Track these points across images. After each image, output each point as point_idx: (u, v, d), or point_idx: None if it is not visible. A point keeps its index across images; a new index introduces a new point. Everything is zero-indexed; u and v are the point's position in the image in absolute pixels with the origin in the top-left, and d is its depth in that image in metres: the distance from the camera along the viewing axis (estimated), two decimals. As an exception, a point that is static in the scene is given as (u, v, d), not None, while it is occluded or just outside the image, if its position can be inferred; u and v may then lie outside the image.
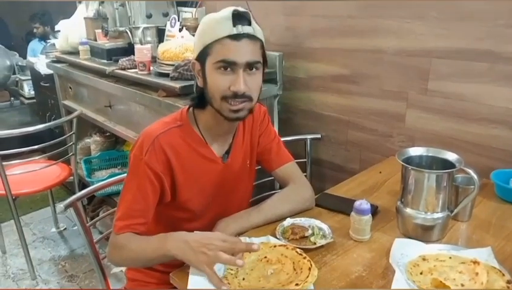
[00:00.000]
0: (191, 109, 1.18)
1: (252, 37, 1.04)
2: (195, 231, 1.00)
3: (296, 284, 0.89)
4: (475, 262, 0.93)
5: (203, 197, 1.19)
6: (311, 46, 1.96)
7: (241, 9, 1.04)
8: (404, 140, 1.72)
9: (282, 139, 1.37)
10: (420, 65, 1.60)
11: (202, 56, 1.07)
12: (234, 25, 1.01)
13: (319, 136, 1.97)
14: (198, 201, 1.19)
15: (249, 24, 1.04)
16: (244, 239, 1.09)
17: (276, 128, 2.05)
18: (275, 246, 1.05)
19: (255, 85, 1.07)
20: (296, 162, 1.36)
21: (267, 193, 1.59)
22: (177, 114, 1.18)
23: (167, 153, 1.10)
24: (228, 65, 1.03)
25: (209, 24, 1.05)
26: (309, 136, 1.93)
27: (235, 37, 1.01)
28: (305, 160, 1.93)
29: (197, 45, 1.09)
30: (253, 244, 0.94)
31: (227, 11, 1.03)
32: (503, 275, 0.91)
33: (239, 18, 1.02)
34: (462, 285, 0.89)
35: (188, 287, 0.92)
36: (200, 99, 1.14)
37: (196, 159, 1.15)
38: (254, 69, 1.06)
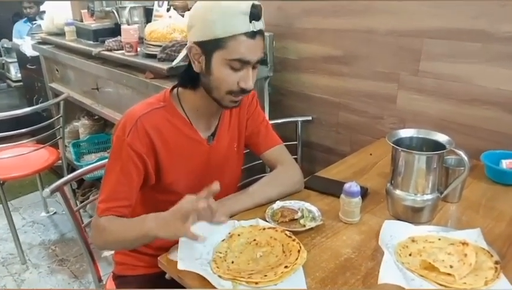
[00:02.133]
0: (175, 89, 1.16)
1: (262, 33, 1.03)
2: None
3: (286, 267, 0.89)
4: (464, 243, 0.93)
5: (188, 179, 1.17)
6: (302, 26, 1.93)
7: (256, 2, 1.00)
8: (395, 122, 1.71)
9: (273, 121, 1.36)
10: (412, 45, 1.57)
11: (209, 46, 1.02)
12: (250, 21, 0.98)
13: (310, 118, 1.95)
14: (184, 183, 1.17)
15: (260, 19, 1.01)
16: (233, 223, 1.08)
17: (266, 110, 2.03)
18: (264, 229, 1.04)
19: (255, 78, 1.08)
20: (287, 145, 1.35)
21: (257, 176, 1.57)
22: (160, 95, 1.16)
23: (150, 134, 1.07)
24: (243, 63, 1.02)
25: (223, 15, 0.99)
26: (300, 119, 1.92)
27: (251, 34, 1.00)
28: (296, 142, 1.92)
29: (203, 32, 1.02)
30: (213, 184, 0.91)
31: (244, 5, 0.98)
32: (492, 256, 0.91)
33: (255, 14, 0.99)
34: (451, 266, 0.89)
35: (179, 255, 0.92)
36: (192, 82, 1.11)
37: (181, 140, 1.13)
38: (257, 63, 1.05)
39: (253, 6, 0.99)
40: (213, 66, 1.04)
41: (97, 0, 2.35)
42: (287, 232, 1.01)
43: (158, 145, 1.09)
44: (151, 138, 1.08)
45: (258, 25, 1.01)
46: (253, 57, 1.02)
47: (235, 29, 0.98)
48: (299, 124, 1.91)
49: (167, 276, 1.00)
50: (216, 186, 0.91)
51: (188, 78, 1.12)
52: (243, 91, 1.05)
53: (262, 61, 1.93)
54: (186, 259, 0.92)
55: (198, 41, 1.04)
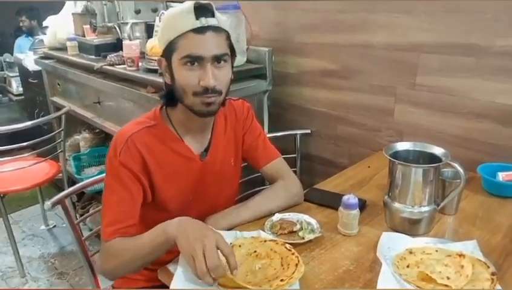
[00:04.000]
0: (164, 107, 1.16)
1: (216, 29, 1.01)
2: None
3: (281, 280, 0.89)
4: (460, 255, 0.94)
5: (182, 196, 1.17)
6: (301, 41, 1.96)
7: (203, 1, 1.02)
8: (393, 134, 1.73)
9: (272, 134, 1.37)
10: (408, 60, 1.60)
11: (167, 52, 1.05)
12: (197, 18, 0.99)
13: (308, 131, 1.97)
14: (179, 200, 1.16)
15: (213, 16, 1.01)
16: (234, 233, 1.09)
17: (266, 124, 2.05)
18: (265, 241, 1.04)
19: (224, 78, 1.05)
20: (286, 158, 1.36)
21: (256, 189, 1.59)
22: (150, 113, 1.16)
23: (142, 152, 1.07)
24: (195, 60, 1.01)
25: (171, 19, 1.03)
26: (299, 132, 1.94)
27: (199, 30, 0.99)
28: (295, 155, 1.93)
29: (161, 41, 1.06)
30: (234, 270, 0.88)
31: (189, 4, 1.00)
32: (488, 267, 0.92)
33: (202, 10, 1.00)
34: (448, 278, 0.90)
35: (173, 281, 0.91)
36: (170, 97, 1.11)
37: (172, 157, 1.13)
38: (222, 62, 1.04)
39: (197, 3, 1.00)
40: (174, 71, 1.04)
41: (100, 16, 2.39)
42: (288, 246, 1.01)
43: (150, 163, 1.09)
44: (143, 156, 1.08)
45: (210, 21, 0.99)
46: (204, 52, 1.00)
47: (181, 28, 1.00)
48: (298, 137, 1.93)
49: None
50: (235, 273, 0.88)
51: (167, 94, 1.13)
52: (206, 90, 1.02)
53: (261, 75, 1.99)
54: (181, 281, 0.91)
55: (162, 52, 1.07)
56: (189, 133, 1.16)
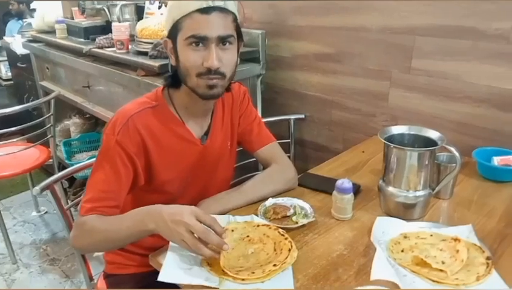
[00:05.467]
0: (166, 88, 1.14)
1: (223, 10, 1.00)
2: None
3: (274, 265, 0.88)
4: (456, 239, 0.94)
5: (181, 178, 1.16)
6: (295, 24, 1.92)
7: None
8: (387, 119, 1.71)
9: (266, 119, 1.35)
10: (403, 43, 1.58)
11: (173, 33, 1.03)
12: None
13: (302, 116, 1.95)
14: (177, 183, 1.16)
15: None
16: (227, 217, 1.08)
17: (259, 108, 2.03)
18: (258, 226, 1.03)
19: (229, 60, 1.04)
20: (280, 143, 1.34)
21: (250, 174, 1.57)
22: (151, 94, 1.14)
23: (141, 133, 1.06)
24: (199, 40, 0.99)
25: None
26: (293, 117, 1.92)
27: (205, 10, 0.98)
28: (288, 140, 1.92)
29: (167, 22, 1.05)
30: (224, 245, 0.87)
31: None
32: (483, 251, 0.92)
33: None
34: (443, 262, 0.89)
35: (163, 264, 0.89)
36: (174, 79, 1.11)
37: (173, 139, 1.12)
38: (227, 44, 1.02)
39: None
40: (179, 52, 1.03)
41: (88, -2, 2.34)
42: (281, 231, 1.00)
43: (150, 145, 1.08)
44: (143, 138, 1.06)
45: (216, 2, 0.98)
46: (209, 32, 0.98)
47: (187, 8, 0.98)
48: (292, 122, 1.91)
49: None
50: (227, 247, 0.88)
51: (170, 76, 1.12)
52: (210, 72, 1.01)
53: (254, 59, 1.96)
54: (170, 269, 0.88)
55: (167, 33, 1.06)
56: (190, 117, 1.14)
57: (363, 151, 1.54)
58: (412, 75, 1.59)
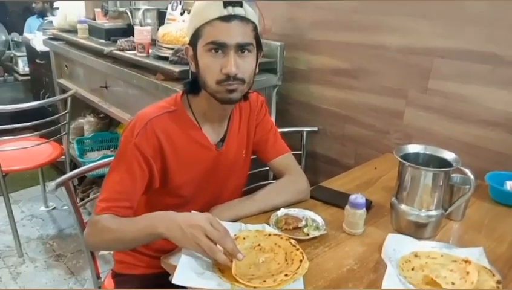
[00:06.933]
0: (185, 94, 1.17)
1: (243, 18, 1.02)
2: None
3: (286, 275, 0.88)
4: (466, 261, 0.93)
5: (195, 183, 1.18)
6: (313, 38, 1.95)
7: None
8: (401, 137, 1.72)
9: (279, 130, 1.36)
10: (421, 64, 1.59)
11: (194, 40, 1.06)
12: (225, 7, 1.00)
13: (315, 129, 1.96)
14: (190, 187, 1.17)
15: (241, 6, 1.02)
16: (239, 225, 1.09)
17: (273, 119, 2.04)
18: (269, 235, 1.04)
19: (247, 68, 1.06)
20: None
21: (260, 183, 1.58)
22: (171, 99, 1.17)
23: (159, 137, 1.08)
24: (218, 47, 1.02)
25: (200, 6, 1.05)
26: (306, 129, 1.93)
27: (226, 18, 1.01)
28: (300, 152, 1.93)
29: (189, 29, 1.08)
30: (239, 253, 0.89)
31: None
32: (494, 275, 0.92)
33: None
34: (453, 283, 0.89)
35: (177, 267, 0.90)
36: (194, 85, 1.13)
37: (190, 144, 1.14)
38: (246, 52, 1.04)
39: None
40: (199, 58, 1.06)
41: (111, 0, 2.38)
42: (292, 241, 1.01)
43: (167, 149, 1.10)
44: (160, 141, 1.08)
45: (236, 10, 1.01)
46: (228, 39, 1.01)
47: (208, 16, 1.01)
48: (305, 134, 1.92)
49: (171, 278, 1.00)
50: (241, 257, 0.90)
51: (190, 82, 1.15)
52: (228, 78, 1.03)
53: (271, 70, 1.98)
54: (184, 273, 0.89)
55: (189, 40, 1.09)
56: (207, 122, 1.16)
57: (375, 168, 1.54)
58: (428, 95, 1.60)
